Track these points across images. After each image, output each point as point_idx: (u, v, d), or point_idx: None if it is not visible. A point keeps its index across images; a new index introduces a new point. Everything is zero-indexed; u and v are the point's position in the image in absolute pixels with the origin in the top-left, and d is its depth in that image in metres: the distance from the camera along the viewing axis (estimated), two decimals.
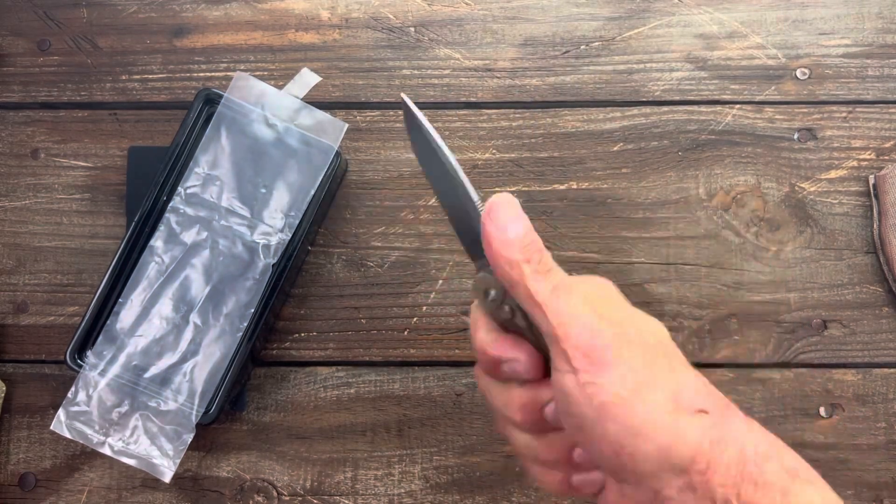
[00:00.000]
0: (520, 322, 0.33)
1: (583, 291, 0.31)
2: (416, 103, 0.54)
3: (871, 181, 0.51)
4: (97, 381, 0.47)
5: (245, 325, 0.47)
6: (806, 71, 0.53)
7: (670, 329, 0.50)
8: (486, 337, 0.33)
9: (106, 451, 0.47)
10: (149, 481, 0.50)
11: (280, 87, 0.50)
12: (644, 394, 0.29)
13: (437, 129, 0.53)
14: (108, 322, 0.48)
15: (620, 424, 0.29)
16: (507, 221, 0.31)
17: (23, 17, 0.55)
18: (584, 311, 0.30)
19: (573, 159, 0.52)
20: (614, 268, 0.51)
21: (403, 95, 0.35)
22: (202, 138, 0.49)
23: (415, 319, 0.51)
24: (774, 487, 0.30)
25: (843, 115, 0.52)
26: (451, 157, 0.34)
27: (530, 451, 0.34)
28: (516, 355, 0.33)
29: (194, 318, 0.48)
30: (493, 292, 0.33)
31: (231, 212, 0.49)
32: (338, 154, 0.49)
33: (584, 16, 0.54)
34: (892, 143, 0.52)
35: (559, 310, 0.30)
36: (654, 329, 0.32)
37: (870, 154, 0.52)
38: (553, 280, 0.31)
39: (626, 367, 0.29)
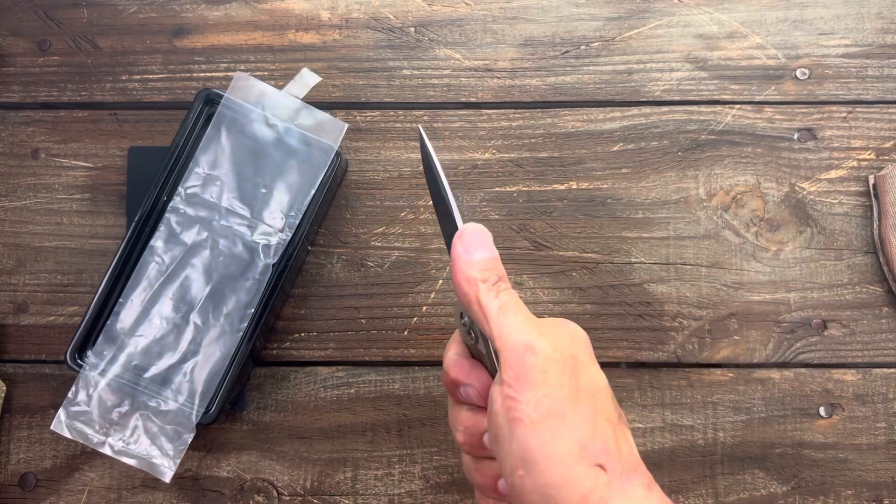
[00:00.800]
0: (481, 349, 0.34)
1: (528, 315, 0.32)
2: (415, 103, 0.54)
3: (871, 181, 0.51)
4: (97, 381, 0.47)
5: (245, 325, 0.47)
6: (806, 71, 0.53)
7: (670, 329, 0.50)
8: (451, 358, 0.36)
9: (106, 451, 0.47)
10: (149, 481, 0.50)
11: (280, 88, 0.50)
12: (553, 425, 0.30)
13: (437, 129, 0.53)
14: (109, 322, 0.48)
15: (522, 447, 0.29)
16: (475, 246, 0.33)
17: (23, 17, 0.55)
18: (526, 329, 0.31)
19: (573, 159, 0.52)
20: (614, 268, 0.51)
21: (420, 127, 0.38)
22: (202, 138, 0.49)
23: (415, 319, 0.51)
24: None
25: (843, 115, 0.52)
26: (447, 186, 0.36)
27: (470, 472, 0.36)
28: (471, 381, 0.35)
29: (194, 318, 0.48)
30: (465, 317, 0.35)
31: (231, 212, 0.49)
32: (338, 154, 0.49)
33: (583, 16, 0.54)
34: (891, 143, 0.52)
35: (502, 323, 0.32)
36: (595, 377, 0.32)
37: (869, 154, 0.52)
38: (503, 299, 0.32)
39: (547, 392, 0.30)
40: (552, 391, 0.30)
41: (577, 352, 0.32)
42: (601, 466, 0.29)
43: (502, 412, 0.30)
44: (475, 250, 0.33)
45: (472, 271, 0.33)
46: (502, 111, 0.53)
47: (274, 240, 0.49)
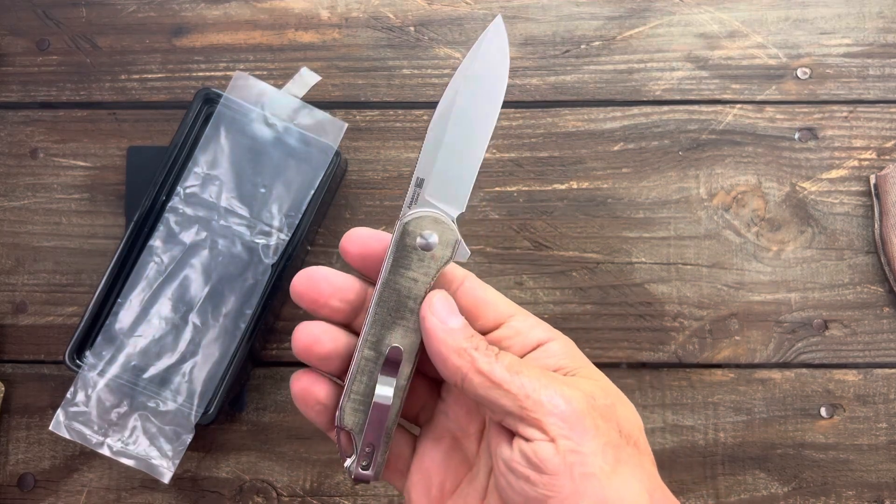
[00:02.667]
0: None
1: (541, 367, 0.30)
2: (415, 102, 0.54)
3: (872, 181, 0.51)
4: (96, 381, 0.47)
5: (244, 325, 0.47)
6: (807, 70, 0.53)
7: (671, 329, 0.50)
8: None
9: (105, 451, 0.46)
10: (148, 482, 0.49)
11: (279, 87, 0.50)
12: (623, 473, 0.28)
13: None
14: (107, 322, 0.48)
15: (596, 501, 0.27)
16: (448, 313, 0.30)
17: (22, 16, 0.55)
18: (552, 381, 0.29)
19: (573, 159, 0.52)
20: (615, 268, 0.51)
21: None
22: (201, 138, 0.49)
23: None
24: None
25: (844, 114, 0.52)
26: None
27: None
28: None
29: (193, 318, 0.48)
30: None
31: (230, 211, 0.49)
32: (337, 154, 0.49)
33: (584, 15, 0.54)
34: (892, 142, 0.52)
35: (522, 384, 0.29)
36: (630, 413, 0.31)
37: (871, 154, 0.52)
38: (505, 360, 0.30)
39: (606, 440, 0.28)
40: (609, 438, 0.28)
41: (608, 389, 0.30)
42: None
43: (564, 470, 0.27)
44: (450, 318, 0.30)
45: (459, 341, 0.30)
46: (502, 110, 0.53)
47: (273, 240, 0.48)
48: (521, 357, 0.31)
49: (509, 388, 0.29)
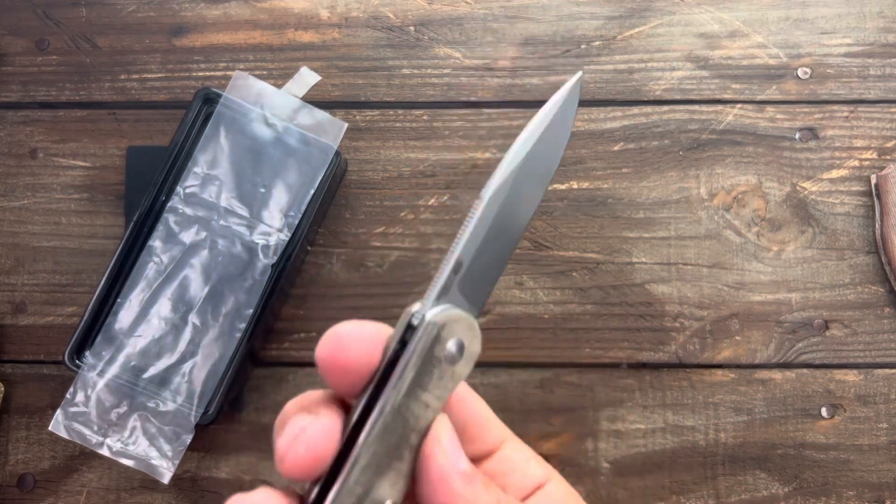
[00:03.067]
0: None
1: None
2: (415, 102, 0.54)
3: (873, 181, 0.51)
4: (96, 381, 0.47)
5: (244, 325, 0.47)
6: (807, 70, 0.53)
7: (672, 329, 0.50)
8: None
9: (104, 451, 0.46)
10: (147, 482, 0.49)
11: (279, 87, 0.49)
12: None
13: (437, 129, 0.53)
14: (107, 322, 0.48)
15: None
16: (459, 454, 0.23)
17: (21, 16, 0.55)
18: None
19: (573, 159, 0.52)
20: (615, 268, 0.51)
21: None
22: (201, 138, 0.49)
23: None
24: None
25: (845, 114, 0.52)
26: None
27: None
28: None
29: (193, 318, 0.48)
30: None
31: (230, 212, 0.49)
32: (337, 154, 0.49)
33: (584, 14, 0.54)
34: (893, 142, 0.52)
35: None
36: None
37: (871, 154, 0.52)
38: None
39: None
40: None
41: None
42: None
43: None
44: (461, 459, 0.23)
45: (478, 495, 0.23)
46: (503, 110, 0.53)
47: (273, 240, 0.48)
48: (521, 502, 0.26)
49: None
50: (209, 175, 0.49)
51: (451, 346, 0.23)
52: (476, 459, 0.26)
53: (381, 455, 0.22)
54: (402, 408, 0.22)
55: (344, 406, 0.23)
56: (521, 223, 0.25)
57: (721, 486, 0.49)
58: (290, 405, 0.23)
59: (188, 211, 0.48)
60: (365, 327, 0.23)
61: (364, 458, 0.22)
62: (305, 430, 0.22)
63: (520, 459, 0.26)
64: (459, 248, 0.24)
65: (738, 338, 0.50)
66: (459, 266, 0.24)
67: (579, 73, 0.27)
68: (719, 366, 0.50)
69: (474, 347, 0.23)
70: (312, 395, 0.23)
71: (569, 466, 0.49)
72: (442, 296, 0.23)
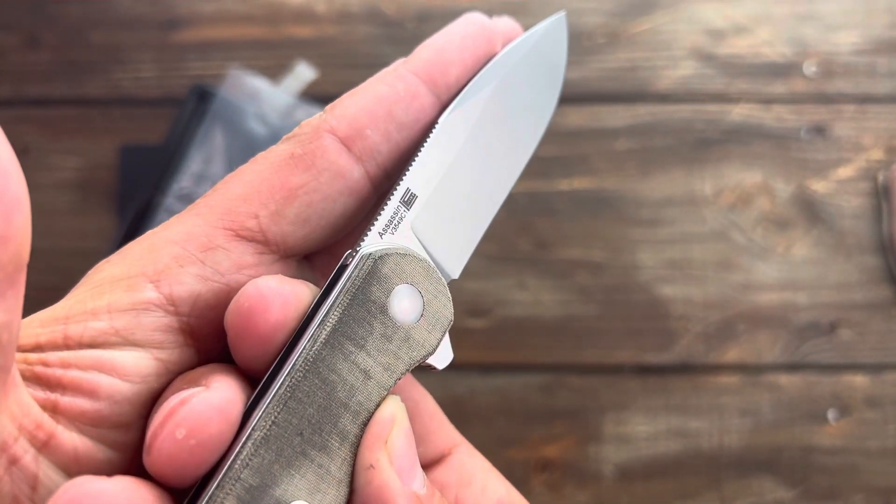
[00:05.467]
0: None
1: None
2: None
3: (880, 179, 0.50)
4: None
5: None
6: (814, 67, 0.52)
7: (677, 331, 0.50)
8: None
9: None
10: None
11: (275, 83, 0.49)
12: None
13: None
14: None
15: None
16: (412, 462, 0.18)
17: (14, 11, 0.54)
18: None
19: (578, 157, 0.52)
20: (620, 268, 0.50)
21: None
22: (196, 135, 0.48)
23: None
24: None
25: (852, 112, 0.52)
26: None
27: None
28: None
29: None
30: None
31: None
32: None
33: (587, 10, 0.53)
34: None
35: None
36: None
37: (879, 152, 0.51)
38: None
39: None
40: None
41: None
42: None
43: None
44: (414, 470, 0.17)
45: None
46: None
47: None
48: None
49: None
50: (204, 173, 0.48)
51: (399, 292, 0.17)
52: (424, 465, 0.21)
53: (288, 435, 0.16)
54: (321, 365, 0.16)
55: (251, 384, 0.17)
56: (501, 169, 0.20)
57: (727, 491, 0.48)
58: (175, 380, 0.17)
59: (183, 209, 0.48)
60: (294, 285, 0.17)
61: (260, 432, 0.15)
62: (187, 403, 0.15)
63: (478, 470, 0.22)
64: (409, 175, 0.19)
65: (743, 339, 0.49)
66: (411, 198, 0.19)
67: (562, 12, 0.23)
68: (725, 368, 0.49)
69: (440, 309, 0.18)
70: (206, 367, 0.17)
71: (572, 471, 0.49)
72: (390, 231, 0.18)
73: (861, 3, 0.53)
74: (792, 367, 0.49)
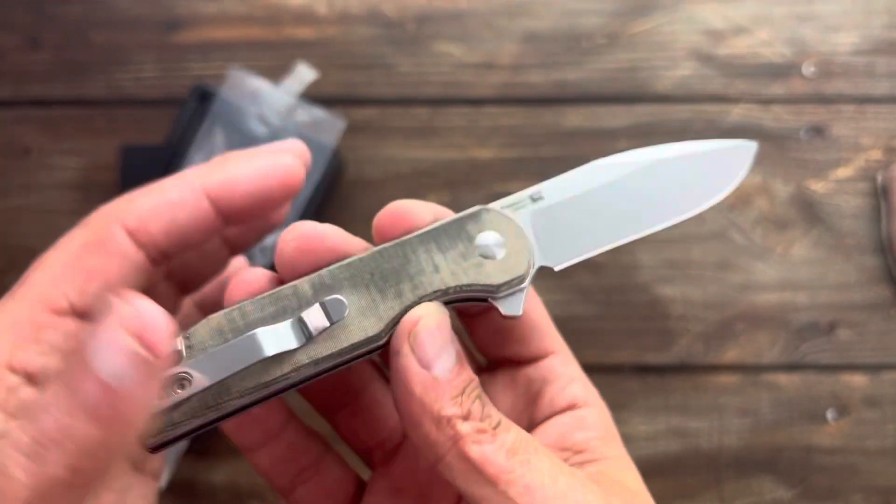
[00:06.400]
0: None
1: (552, 457, 0.21)
2: (415, 99, 0.53)
3: (879, 180, 0.50)
4: None
5: None
6: (813, 68, 0.52)
7: (676, 331, 0.50)
8: None
9: None
10: None
11: (276, 84, 0.49)
12: None
13: (437, 127, 0.53)
14: None
15: None
16: (437, 350, 0.20)
17: (14, 11, 0.54)
18: (571, 484, 0.20)
19: (577, 157, 0.52)
20: (619, 269, 0.50)
21: None
22: (196, 136, 0.48)
23: None
24: None
25: (851, 112, 0.52)
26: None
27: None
28: None
29: None
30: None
31: None
32: (335, 152, 0.48)
33: (587, 11, 0.53)
34: None
35: (530, 485, 0.20)
36: None
37: (878, 152, 0.51)
38: (507, 439, 0.20)
39: None
40: None
41: (625, 499, 0.23)
42: None
43: None
44: (438, 359, 0.20)
45: (442, 403, 0.20)
46: (504, 108, 0.52)
47: (270, 240, 0.48)
48: (545, 420, 0.24)
49: (508, 491, 0.20)
50: None
51: (488, 235, 0.22)
52: (518, 361, 0.25)
53: (363, 270, 0.22)
54: (408, 245, 0.22)
55: None
56: (620, 222, 0.24)
57: (726, 490, 0.48)
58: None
59: None
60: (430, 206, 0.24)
61: (349, 260, 0.22)
62: (303, 224, 0.22)
63: (563, 375, 0.25)
64: (548, 182, 0.24)
65: (743, 339, 0.50)
66: (539, 197, 0.24)
67: (754, 145, 0.26)
68: (724, 368, 0.49)
69: (516, 265, 0.22)
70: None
71: None
72: (510, 208, 0.24)
73: (860, 3, 0.53)
74: (791, 367, 0.49)
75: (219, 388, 0.19)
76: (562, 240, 0.24)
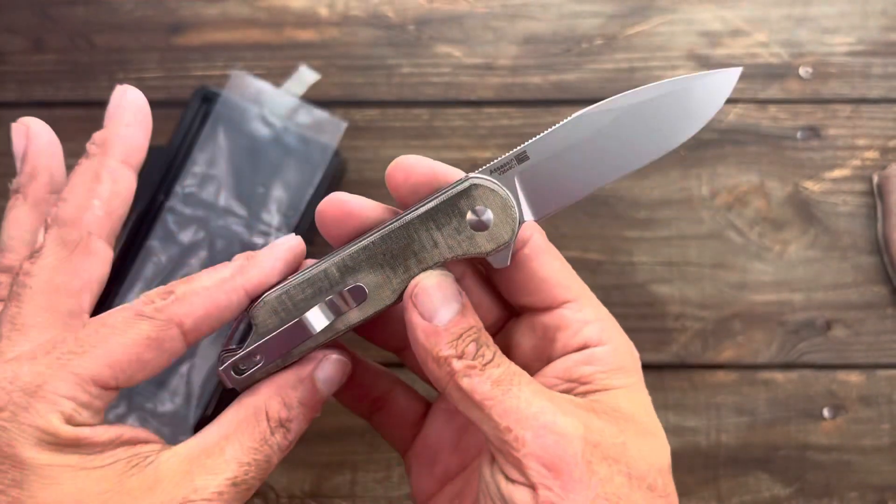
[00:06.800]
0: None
1: (535, 385, 0.25)
2: (415, 101, 0.54)
3: (875, 180, 0.51)
4: None
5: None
6: (809, 69, 0.52)
7: (673, 330, 0.50)
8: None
9: None
10: None
11: (278, 86, 0.49)
12: None
13: (437, 128, 0.53)
14: None
15: None
16: (436, 306, 0.25)
17: (18, 14, 0.55)
18: (543, 406, 0.24)
19: None
20: (616, 268, 0.51)
21: None
22: (199, 137, 0.48)
23: None
24: None
25: (847, 113, 0.52)
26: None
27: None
28: None
29: None
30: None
31: (229, 211, 0.48)
32: (336, 153, 0.49)
33: (585, 13, 0.54)
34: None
35: (507, 408, 0.24)
36: (648, 451, 0.25)
37: (874, 153, 0.52)
38: (494, 373, 0.25)
39: (598, 491, 0.23)
40: (607, 488, 0.23)
41: (630, 422, 0.26)
42: None
43: None
44: (439, 310, 0.25)
45: (440, 346, 0.25)
46: (503, 109, 0.53)
47: (272, 239, 0.48)
48: (556, 359, 0.27)
49: (491, 413, 0.24)
50: (208, 175, 0.48)
51: (478, 210, 0.26)
52: (533, 310, 0.28)
53: (376, 252, 0.26)
54: (411, 226, 0.26)
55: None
56: (603, 167, 0.26)
57: (723, 488, 0.49)
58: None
59: (187, 211, 0.48)
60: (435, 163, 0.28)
61: (365, 243, 0.26)
62: (341, 194, 0.28)
63: (574, 321, 0.28)
64: (531, 141, 0.26)
65: (740, 338, 0.50)
66: (524, 157, 0.26)
67: (738, 69, 0.27)
68: (721, 366, 0.50)
69: (502, 232, 0.26)
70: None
71: None
72: (497, 172, 0.27)
73: (856, 5, 0.53)
74: (787, 366, 0.50)
75: (283, 356, 0.27)
76: (549, 193, 0.27)
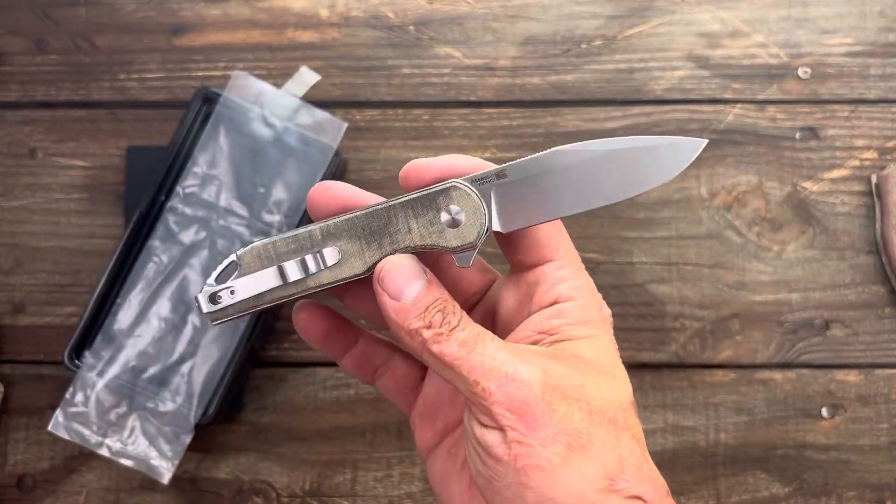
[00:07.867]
0: None
1: (498, 341, 0.28)
2: (415, 102, 0.54)
3: (873, 180, 0.51)
4: (95, 381, 0.47)
5: (243, 325, 0.47)
6: (808, 70, 0.53)
7: (672, 330, 0.50)
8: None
9: (104, 452, 0.46)
10: (147, 483, 0.49)
11: (279, 86, 0.49)
12: (574, 463, 0.26)
13: (437, 128, 0.53)
14: (107, 322, 0.47)
15: (543, 496, 0.26)
16: (400, 286, 0.28)
17: (21, 15, 0.55)
18: (505, 358, 0.27)
19: None
20: (616, 268, 0.51)
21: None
22: (201, 137, 0.49)
23: None
24: None
25: (846, 114, 0.52)
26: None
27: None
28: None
29: (193, 318, 0.47)
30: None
31: (229, 211, 0.48)
32: (337, 153, 0.49)
33: (585, 14, 0.54)
34: (894, 142, 0.52)
35: (473, 364, 0.27)
36: (608, 390, 0.28)
37: (872, 153, 0.52)
38: (460, 336, 0.28)
39: (560, 427, 0.26)
40: (566, 424, 0.26)
41: (590, 364, 0.28)
42: (638, 497, 0.26)
43: (508, 460, 0.26)
44: (402, 290, 0.28)
45: (410, 320, 0.28)
46: (503, 110, 0.53)
47: None
48: (532, 314, 0.30)
49: (460, 371, 0.27)
50: (209, 175, 0.49)
51: (452, 209, 0.29)
52: (522, 266, 0.31)
53: (357, 227, 0.29)
54: (391, 211, 0.29)
55: None
56: (568, 199, 0.29)
57: (721, 487, 0.49)
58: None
59: (188, 211, 0.48)
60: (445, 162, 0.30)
61: (351, 215, 0.29)
62: (331, 182, 0.31)
63: (551, 278, 0.30)
64: (511, 163, 0.29)
65: (738, 338, 0.50)
66: (503, 175, 0.29)
67: (704, 141, 0.30)
68: (720, 366, 0.50)
69: (469, 234, 0.29)
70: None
71: None
72: (478, 183, 0.29)
73: (854, 6, 0.53)
74: (786, 366, 0.50)
75: (256, 297, 0.30)
76: (518, 211, 0.29)
